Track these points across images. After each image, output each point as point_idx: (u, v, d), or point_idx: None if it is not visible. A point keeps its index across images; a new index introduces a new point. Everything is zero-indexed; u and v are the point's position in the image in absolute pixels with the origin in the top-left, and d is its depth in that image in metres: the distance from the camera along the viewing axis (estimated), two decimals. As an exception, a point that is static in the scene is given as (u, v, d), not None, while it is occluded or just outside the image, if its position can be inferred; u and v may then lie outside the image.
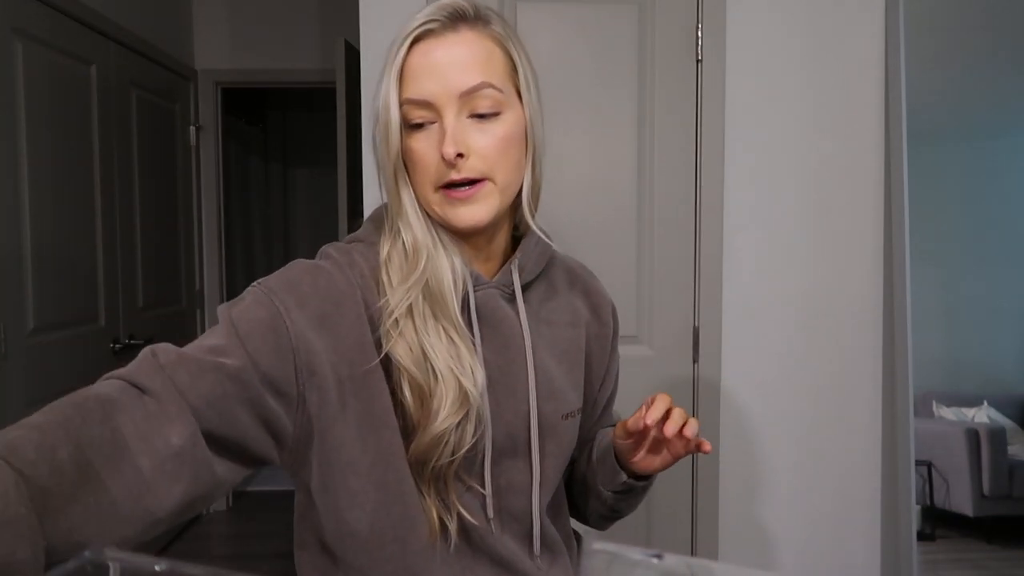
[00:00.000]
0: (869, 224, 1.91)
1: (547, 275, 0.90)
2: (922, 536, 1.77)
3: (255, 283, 0.76)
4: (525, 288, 0.86)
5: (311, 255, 0.83)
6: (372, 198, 1.88)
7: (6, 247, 2.11)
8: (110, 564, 0.37)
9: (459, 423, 0.76)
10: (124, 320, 2.77)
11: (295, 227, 5.29)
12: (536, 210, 0.85)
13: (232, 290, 4.09)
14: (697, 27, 1.84)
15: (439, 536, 0.79)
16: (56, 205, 2.34)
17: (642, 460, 0.87)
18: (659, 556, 0.42)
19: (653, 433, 0.82)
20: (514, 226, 0.88)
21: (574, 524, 1.02)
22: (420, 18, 0.77)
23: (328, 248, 0.83)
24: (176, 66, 3.27)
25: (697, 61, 1.85)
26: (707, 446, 0.81)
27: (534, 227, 0.85)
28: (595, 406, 0.97)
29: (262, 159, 4.98)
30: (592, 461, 0.94)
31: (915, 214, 1.78)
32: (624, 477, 0.89)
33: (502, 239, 0.86)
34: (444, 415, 0.75)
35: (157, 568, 0.37)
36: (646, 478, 0.91)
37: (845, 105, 1.89)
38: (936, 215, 1.80)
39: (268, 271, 0.78)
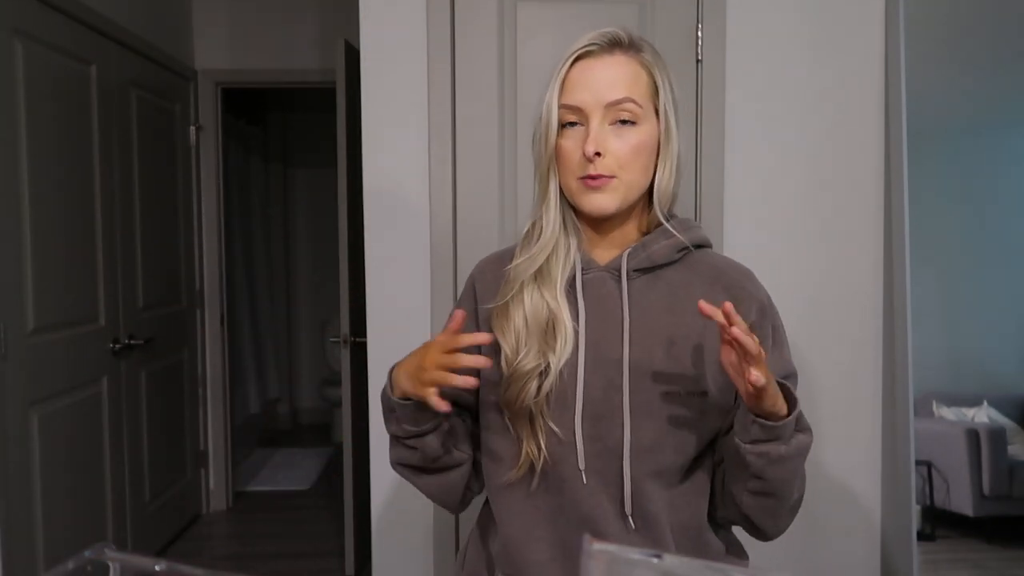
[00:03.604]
0: (869, 223, 1.91)
1: (686, 268, 1.00)
2: (922, 536, 1.77)
3: None
4: (654, 273, 0.98)
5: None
6: (372, 198, 1.88)
7: (6, 247, 2.11)
8: (110, 564, 0.37)
9: (543, 370, 0.93)
10: (124, 320, 2.77)
11: (295, 227, 5.27)
12: (668, 209, 0.99)
13: (232, 290, 4.09)
14: (697, 27, 1.84)
15: (526, 473, 0.95)
16: (56, 205, 2.34)
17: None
18: (659, 556, 0.42)
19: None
20: (648, 223, 1.01)
21: (748, 541, 1.05)
22: (584, 40, 0.95)
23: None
24: (176, 66, 3.27)
25: (697, 61, 1.85)
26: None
27: (664, 222, 0.98)
28: (739, 396, 0.95)
29: (262, 159, 4.97)
30: (732, 426, 0.94)
31: (915, 214, 1.78)
32: (753, 417, 0.86)
33: (631, 232, 1.00)
34: (524, 360, 0.93)
35: (157, 568, 0.37)
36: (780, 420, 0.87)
37: (845, 104, 1.89)
38: (936, 215, 1.80)
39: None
